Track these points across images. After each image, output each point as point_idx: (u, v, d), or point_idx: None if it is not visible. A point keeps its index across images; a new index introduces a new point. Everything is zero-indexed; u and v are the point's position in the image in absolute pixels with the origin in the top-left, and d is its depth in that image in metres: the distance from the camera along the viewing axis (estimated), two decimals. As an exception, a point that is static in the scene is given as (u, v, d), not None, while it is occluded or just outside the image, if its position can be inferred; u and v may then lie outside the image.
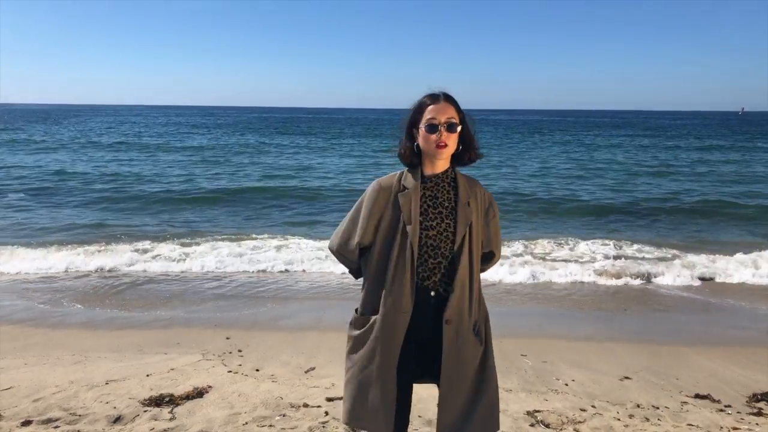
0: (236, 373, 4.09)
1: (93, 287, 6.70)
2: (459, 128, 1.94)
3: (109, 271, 7.38)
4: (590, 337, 5.21)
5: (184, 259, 7.87)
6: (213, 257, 7.93)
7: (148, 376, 3.97)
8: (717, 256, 8.21)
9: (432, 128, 1.92)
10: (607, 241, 9.30)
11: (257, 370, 4.16)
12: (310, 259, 7.86)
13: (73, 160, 22.01)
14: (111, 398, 3.51)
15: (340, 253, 2.12)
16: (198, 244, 8.86)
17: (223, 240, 9.20)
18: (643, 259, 8.25)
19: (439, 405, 1.97)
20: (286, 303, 6.30)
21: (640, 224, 11.34)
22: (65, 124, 50.82)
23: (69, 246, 8.48)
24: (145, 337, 5.06)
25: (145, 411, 3.31)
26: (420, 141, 1.97)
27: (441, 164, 2.01)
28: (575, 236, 9.77)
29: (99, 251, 8.20)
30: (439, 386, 1.97)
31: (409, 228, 1.92)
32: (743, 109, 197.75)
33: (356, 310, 2.08)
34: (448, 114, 1.93)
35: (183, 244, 8.81)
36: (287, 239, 9.25)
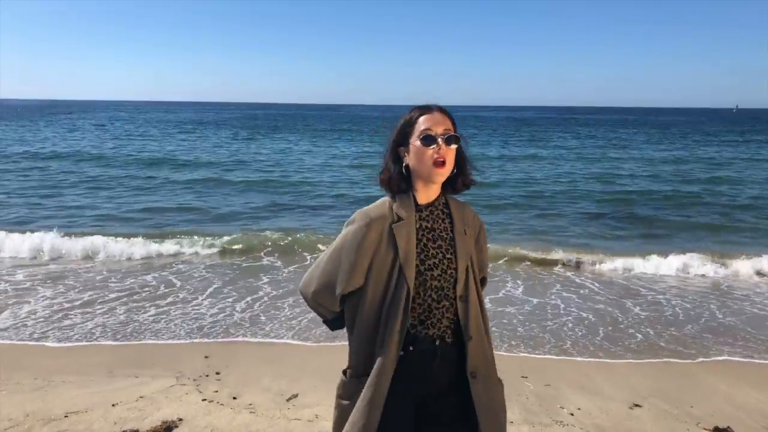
0: (211, 401, 3.73)
1: (69, 297, 6.31)
2: (457, 143, 1.63)
3: (88, 277, 6.99)
4: (595, 354, 4.89)
5: (168, 266, 7.49)
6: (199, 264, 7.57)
7: (113, 406, 3.60)
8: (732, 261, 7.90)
9: (428, 140, 1.60)
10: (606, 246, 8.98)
11: (234, 398, 3.80)
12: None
13: None
14: (68, 436, 3.15)
15: (316, 301, 1.75)
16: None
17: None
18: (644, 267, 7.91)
19: None
20: (273, 314, 5.94)
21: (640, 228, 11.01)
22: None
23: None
24: (117, 355, 4.69)
25: (104, 453, 2.96)
26: (411, 160, 1.65)
27: (435, 190, 1.69)
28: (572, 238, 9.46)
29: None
30: None
31: (404, 265, 1.60)
32: (737, 106, 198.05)
33: (344, 373, 1.71)
34: (446, 125, 1.64)
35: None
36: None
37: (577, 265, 7.84)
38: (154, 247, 8.24)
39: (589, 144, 32.69)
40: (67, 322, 5.47)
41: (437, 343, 1.64)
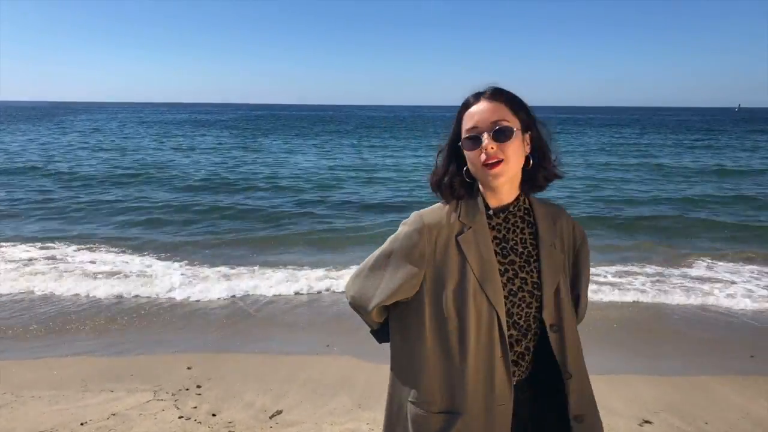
0: (188, 419, 3.47)
1: (41, 307, 6.05)
2: (515, 134, 1.32)
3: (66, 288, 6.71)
4: (600, 367, 4.60)
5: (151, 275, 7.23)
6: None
7: (82, 425, 3.35)
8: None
9: (472, 141, 1.32)
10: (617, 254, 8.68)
11: (213, 415, 3.54)
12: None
13: None
14: (27, 460, 2.89)
15: (354, 308, 1.53)
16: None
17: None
18: (651, 274, 7.62)
19: None
20: (261, 322, 5.68)
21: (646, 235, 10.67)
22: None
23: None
24: (94, 367, 4.42)
25: (63, 480, 2.70)
26: (468, 164, 1.37)
27: (507, 191, 1.38)
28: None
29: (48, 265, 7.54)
30: None
31: (487, 288, 1.32)
32: (740, 105, 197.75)
33: (412, 403, 1.40)
34: (497, 115, 1.32)
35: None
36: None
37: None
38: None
39: (598, 146, 32.31)
40: (49, 332, 5.22)
41: (514, 381, 1.39)
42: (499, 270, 1.35)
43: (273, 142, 31.86)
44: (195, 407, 3.65)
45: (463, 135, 1.35)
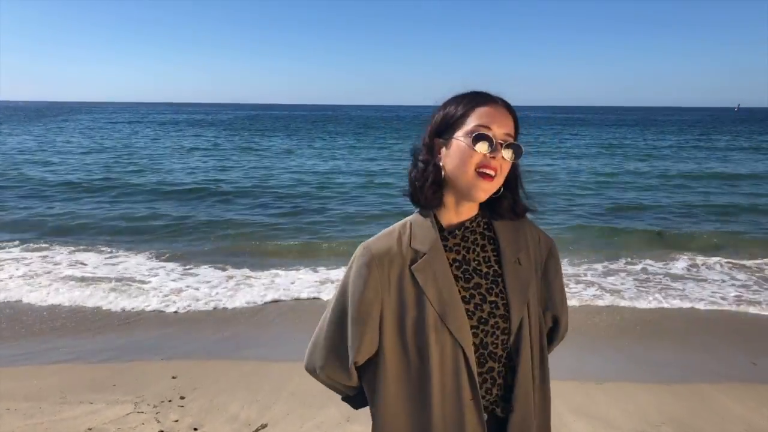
0: (168, 433, 3.34)
1: (25, 313, 5.91)
2: (519, 157, 1.20)
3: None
4: (598, 374, 4.47)
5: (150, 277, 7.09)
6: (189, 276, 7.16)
7: (56, 440, 3.21)
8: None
9: (482, 139, 1.14)
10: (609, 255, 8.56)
11: (195, 429, 3.40)
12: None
13: None
14: (-5, 480, 2.75)
15: (330, 378, 1.33)
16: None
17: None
18: (650, 276, 7.50)
19: None
20: (256, 327, 5.54)
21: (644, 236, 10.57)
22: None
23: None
24: (75, 376, 4.28)
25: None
26: (449, 161, 1.19)
27: (470, 207, 1.24)
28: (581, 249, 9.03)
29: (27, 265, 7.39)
30: None
31: (449, 322, 1.16)
32: (739, 105, 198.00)
33: None
34: (508, 128, 1.18)
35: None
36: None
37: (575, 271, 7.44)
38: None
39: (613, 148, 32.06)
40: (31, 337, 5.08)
41: (485, 418, 1.22)
42: (464, 297, 1.19)
43: (270, 144, 31.71)
44: (176, 420, 3.52)
45: (470, 129, 1.16)
